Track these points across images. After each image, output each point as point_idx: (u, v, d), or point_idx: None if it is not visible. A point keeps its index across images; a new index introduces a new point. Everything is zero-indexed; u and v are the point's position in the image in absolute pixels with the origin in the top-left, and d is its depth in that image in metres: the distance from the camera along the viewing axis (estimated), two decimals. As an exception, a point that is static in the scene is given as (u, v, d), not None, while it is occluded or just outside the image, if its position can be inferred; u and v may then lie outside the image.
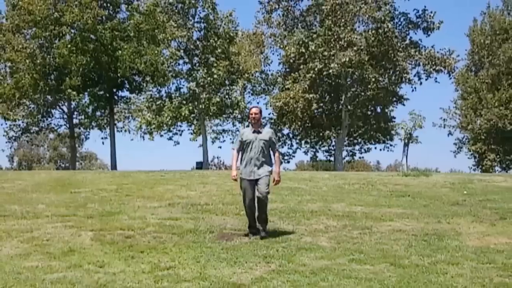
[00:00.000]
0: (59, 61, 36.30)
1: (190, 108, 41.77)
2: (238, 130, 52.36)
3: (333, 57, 39.04)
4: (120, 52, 36.37)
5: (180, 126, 45.55)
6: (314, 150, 50.35)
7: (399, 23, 43.42)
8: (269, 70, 51.49)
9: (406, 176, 22.84)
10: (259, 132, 11.09)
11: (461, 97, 54.95)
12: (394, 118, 46.07)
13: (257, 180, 10.90)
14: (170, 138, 45.41)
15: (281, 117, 44.15)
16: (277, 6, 44.20)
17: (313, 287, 8.48)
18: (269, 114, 48.21)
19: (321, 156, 51.13)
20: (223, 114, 46.44)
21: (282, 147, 49.58)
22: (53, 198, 16.58)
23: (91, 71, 37.23)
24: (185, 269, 9.28)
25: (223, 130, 51.10)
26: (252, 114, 11.33)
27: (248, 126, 11.99)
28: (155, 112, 42.70)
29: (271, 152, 11.42)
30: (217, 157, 61.50)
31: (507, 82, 48.71)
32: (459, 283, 8.79)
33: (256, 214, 11.39)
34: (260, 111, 11.58)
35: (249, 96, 51.40)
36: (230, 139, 52.03)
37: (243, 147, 11.19)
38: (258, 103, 48.43)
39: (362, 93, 42.61)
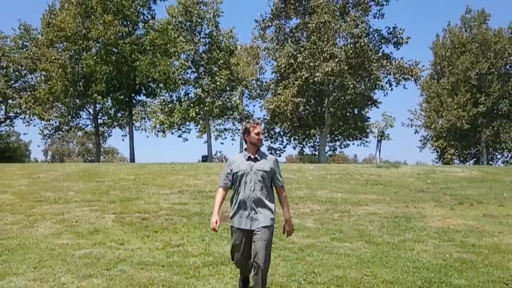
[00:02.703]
0: (86, 70, 36.32)
1: (197, 110, 41.74)
2: (237, 129, 52.44)
3: (317, 67, 38.97)
4: (138, 63, 36.45)
5: (188, 125, 45.50)
6: (301, 145, 50.32)
7: (373, 38, 43.37)
8: (264, 78, 51.78)
9: (379, 168, 22.83)
10: (256, 160, 6.21)
11: (425, 101, 54.95)
12: (369, 118, 46.02)
13: (254, 231, 6.10)
14: (179, 136, 45.37)
15: (274, 118, 44.16)
16: (270, 24, 44.15)
17: (300, 261, 8.47)
18: (263, 115, 48.36)
19: (307, 150, 51.10)
20: (225, 115, 46.47)
21: (274, 143, 49.67)
22: (81, 186, 16.55)
23: (113, 78, 37.22)
24: (192, 246, 9.28)
25: (225, 129, 51.27)
26: (254, 132, 6.26)
27: (241, 152, 6.51)
28: (167, 113, 42.62)
29: (273, 189, 6.46)
30: (220, 151, 61.58)
31: (464, 88, 48.69)
32: (423, 258, 8.79)
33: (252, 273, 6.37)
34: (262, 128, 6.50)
35: (247, 100, 51.56)
36: (231, 136, 52.08)
37: (234, 182, 6.34)
38: (254, 106, 48.51)
39: (342, 98, 42.55)
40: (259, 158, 6.16)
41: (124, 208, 12.88)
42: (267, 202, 6.07)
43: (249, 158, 6.19)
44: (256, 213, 6.01)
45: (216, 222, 6.13)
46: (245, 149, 6.30)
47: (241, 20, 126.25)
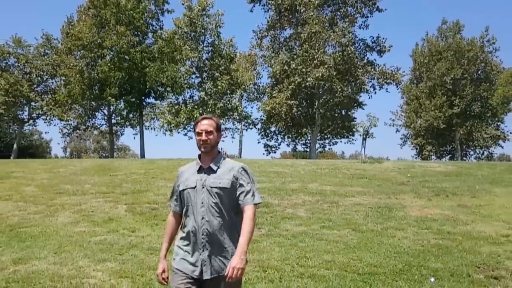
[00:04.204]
0: (101, 76, 36.28)
1: (200, 111, 41.62)
2: (237, 128, 52.43)
3: (309, 73, 38.92)
4: (147, 69, 36.43)
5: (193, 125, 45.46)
6: (294, 143, 50.33)
7: (359, 46, 43.30)
8: (260, 83, 51.65)
9: (364, 163, 22.84)
10: (210, 171, 3.82)
11: (405, 103, 55.00)
12: (355, 119, 46.06)
13: (206, 282, 3.69)
14: (185, 134, 45.16)
15: (270, 118, 44.16)
16: (266, 34, 44.06)
17: (293, 247, 8.48)
18: (260, 116, 48.37)
19: (299, 147, 51.11)
20: (225, 116, 46.38)
21: (270, 141, 49.68)
22: (97, 179, 16.53)
23: (125, 83, 37.16)
24: (197, 234, 9.26)
25: (225, 128, 51.22)
26: (197, 132, 3.86)
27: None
28: (174, 114, 42.51)
29: (239, 209, 3.78)
30: (221, 149, 61.15)
31: (440, 92, 48.75)
32: (404, 244, 8.81)
33: None
34: (217, 125, 3.93)
35: (245, 102, 51.50)
36: (231, 135, 52.10)
37: (182, 204, 3.94)
38: (252, 107, 48.56)
39: (331, 100, 42.53)
40: (214, 169, 3.74)
41: (135, 199, 12.88)
42: (229, 236, 3.66)
43: (200, 170, 3.78)
44: (212, 255, 3.63)
45: (163, 272, 3.81)
46: (199, 156, 3.87)
47: (240, 30, 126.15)
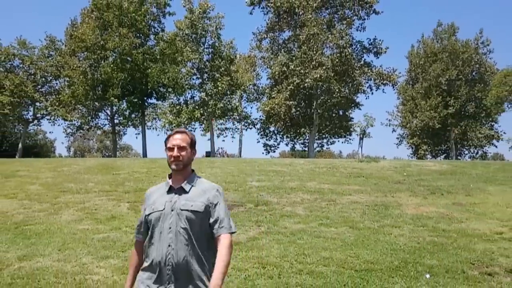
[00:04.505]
0: (104, 77, 36.28)
1: (201, 111, 41.68)
2: (237, 128, 52.43)
3: (307, 74, 38.92)
4: (149, 70, 36.45)
5: (194, 125, 45.40)
6: (293, 142, 50.41)
7: (356, 48, 43.37)
8: (260, 84, 51.83)
9: (361, 162, 22.84)
10: (182, 192, 3.25)
11: (401, 104, 54.99)
12: (352, 119, 45.99)
13: None
14: (186, 134, 45.24)
15: (269, 118, 44.22)
16: (265, 36, 44.10)
17: (292, 244, 8.48)
18: (260, 116, 48.41)
19: (298, 147, 51.18)
20: (226, 116, 46.48)
21: (269, 140, 49.72)
22: (100, 178, 16.53)
23: (128, 84, 37.15)
24: (198, 231, 9.27)
25: (225, 128, 51.43)
26: (170, 145, 3.31)
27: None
28: (175, 114, 42.53)
29: (212, 238, 3.21)
30: (221, 148, 61.24)
31: (435, 92, 48.76)
32: (400, 241, 8.81)
33: None
34: (191, 141, 3.40)
35: (245, 103, 51.61)
36: (231, 134, 52.16)
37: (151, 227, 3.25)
38: (251, 108, 48.45)
39: (329, 101, 42.56)
40: (187, 190, 3.23)
41: (138, 198, 12.87)
42: (199, 268, 3.10)
43: (170, 190, 3.27)
44: None
45: None
46: (169, 175, 3.38)
47: (240, 32, 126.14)
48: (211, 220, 3.17)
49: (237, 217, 10.56)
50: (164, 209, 3.16)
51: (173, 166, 3.24)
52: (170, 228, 3.09)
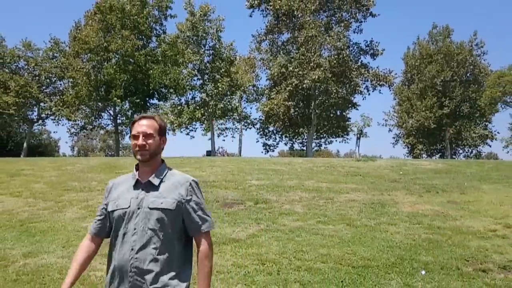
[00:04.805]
0: (107, 78, 36.29)
1: (202, 112, 41.65)
2: (237, 128, 52.43)
3: (305, 75, 38.92)
4: (151, 71, 36.50)
5: (195, 125, 45.34)
6: (291, 142, 50.37)
7: (353, 50, 43.35)
8: (259, 85, 51.89)
9: (358, 161, 22.84)
10: (150, 187, 2.78)
11: (398, 104, 55.00)
12: (350, 119, 45.96)
13: None
14: (187, 133, 45.14)
15: (268, 119, 44.21)
16: (265, 38, 44.09)
17: (291, 241, 8.48)
18: (259, 116, 48.43)
19: (296, 146, 51.12)
20: (226, 116, 46.46)
21: (268, 140, 49.76)
22: (103, 176, 16.52)
23: (130, 85, 37.17)
24: (198, 228, 9.26)
25: (226, 128, 51.51)
26: (135, 132, 2.82)
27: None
28: (176, 114, 42.51)
29: (186, 238, 2.84)
30: (221, 147, 61.26)
31: (431, 93, 48.78)
32: (396, 238, 8.81)
33: None
34: (160, 127, 2.90)
35: (245, 103, 51.64)
36: (231, 134, 52.22)
37: (111, 227, 2.82)
38: (251, 108, 48.50)
39: (327, 101, 42.56)
40: (156, 184, 2.77)
41: (140, 196, 12.87)
42: (169, 275, 2.65)
43: (137, 185, 2.81)
44: None
45: None
46: (136, 165, 2.92)
47: (240, 34, 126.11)
48: (186, 219, 2.75)
49: (237, 215, 10.57)
50: (129, 206, 2.71)
51: (138, 157, 2.78)
52: (135, 229, 2.64)
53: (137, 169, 2.89)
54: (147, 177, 2.80)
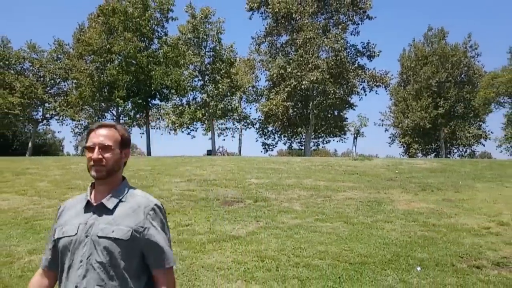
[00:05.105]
0: (110, 79, 36.32)
1: (203, 112, 41.69)
2: (237, 128, 52.42)
3: (304, 76, 38.94)
4: (153, 72, 36.53)
5: (196, 124, 45.38)
6: (290, 141, 50.40)
7: (350, 52, 43.38)
8: (258, 85, 51.96)
9: (355, 160, 22.83)
10: (103, 210, 2.20)
11: (394, 104, 55.08)
12: (347, 119, 46.06)
13: None
14: (188, 133, 45.21)
15: (267, 119, 44.27)
16: (264, 40, 44.10)
17: (289, 238, 8.47)
18: (258, 116, 48.45)
19: (295, 146, 51.15)
20: (226, 116, 46.49)
21: (267, 140, 49.77)
22: (106, 175, 16.48)
23: (133, 86, 37.19)
24: (199, 226, 9.26)
25: (226, 128, 51.56)
26: (90, 143, 2.24)
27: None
28: (178, 115, 42.55)
29: (143, 274, 2.23)
30: (222, 147, 61.48)
31: (426, 94, 48.81)
32: (392, 235, 8.81)
33: None
34: (122, 139, 2.32)
35: (244, 104, 51.68)
36: (231, 133, 52.26)
37: (60, 258, 2.24)
38: (250, 108, 48.60)
39: (324, 102, 42.59)
40: (110, 208, 2.23)
41: (142, 194, 12.86)
42: None
43: (88, 207, 2.27)
44: None
45: None
46: (92, 184, 2.37)
47: (240, 37, 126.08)
48: (145, 251, 2.19)
49: (236, 212, 10.57)
50: (75, 234, 2.16)
51: (93, 173, 2.23)
52: (81, 262, 2.11)
53: (92, 188, 2.33)
54: (99, 197, 2.26)
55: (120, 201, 2.24)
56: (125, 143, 2.33)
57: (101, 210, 2.20)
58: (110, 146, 2.23)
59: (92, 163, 2.20)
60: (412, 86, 50.75)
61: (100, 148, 2.21)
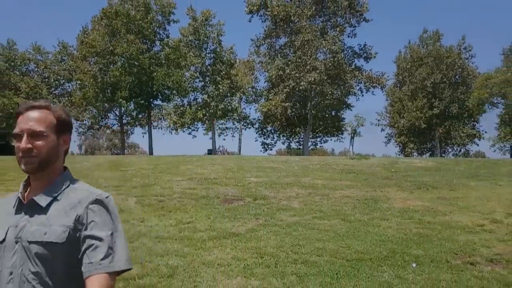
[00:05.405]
0: (113, 80, 36.35)
1: (203, 112, 41.65)
2: (237, 128, 52.41)
3: (302, 77, 38.92)
4: (155, 74, 36.60)
5: (196, 124, 45.32)
6: (288, 141, 50.44)
7: (348, 53, 43.36)
8: (258, 86, 51.72)
9: (352, 159, 22.83)
10: (35, 209, 1.70)
11: (390, 105, 55.01)
12: (344, 119, 46.02)
13: None
14: (189, 133, 45.18)
15: (266, 119, 44.33)
16: (263, 42, 44.04)
17: (288, 236, 8.47)
18: (258, 116, 48.44)
19: (293, 145, 51.14)
20: (226, 117, 46.39)
21: (266, 139, 49.75)
22: (109, 174, 16.51)
23: (135, 86, 37.21)
24: (200, 223, 9.26)
25: (226, 128, 51.40)
26: (18, 129, 1.71)
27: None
28: (179, 115, 42.49)
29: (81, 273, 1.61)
30: (222, 146, 61.49)
31: (421, 95, 48.82)
32: (388, 232, 8.81)
33: None
34: (58, 121, 1.81)
35: (244, 104, 51.58)
36: (231, 133, 52.17)
37: None
38: (250, 109, 48.58)
39: (322, 102, 42.54)
40: (43, 205, 1.73)
41: (144, 192, 12.85)
42: None
43: (20, 204, 1.78)
44: None
45: None
46: (27, 178, 1.85)
47: (239, 39, 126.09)
48: (82, 252, 1.67)
49: (236, 210, 10.56)
50: (4, 239, 1.71)
51: (22, 166, 1.76)
52: (11, 274, 1.65)
53: (26, 184, 1.87)
54: (32, 193, 1.81)
55: (56, 198, 1.77)
56: (62, 127, 1.86)
57: (33, 209, 1.74)
58: (42, 132, 1.75)
59: (20, 154, 1.73)
60: (408, 87, 50.74)
61: (29, 135, 1.73)
